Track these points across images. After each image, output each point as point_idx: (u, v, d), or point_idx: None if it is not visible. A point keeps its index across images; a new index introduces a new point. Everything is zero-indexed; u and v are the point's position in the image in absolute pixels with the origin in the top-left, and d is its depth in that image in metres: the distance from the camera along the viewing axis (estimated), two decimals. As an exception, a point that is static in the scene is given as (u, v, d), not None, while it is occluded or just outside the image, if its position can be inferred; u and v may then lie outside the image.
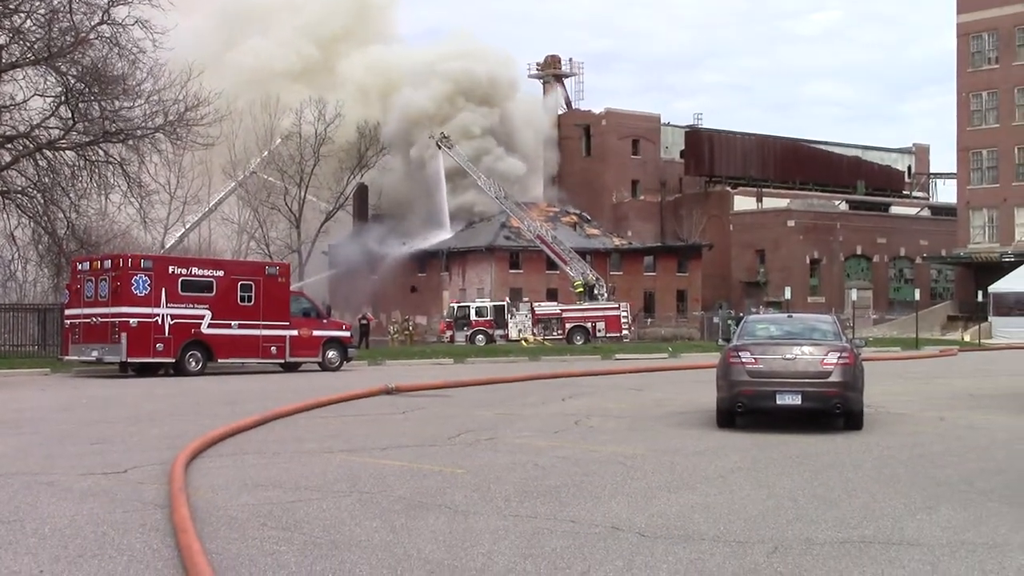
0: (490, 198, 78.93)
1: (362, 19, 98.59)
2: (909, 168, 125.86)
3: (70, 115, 42.63)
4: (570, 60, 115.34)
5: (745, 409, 18.85)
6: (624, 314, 70.13)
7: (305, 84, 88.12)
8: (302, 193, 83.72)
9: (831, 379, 18.34)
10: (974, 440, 17.75)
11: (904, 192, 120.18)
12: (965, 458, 15.55)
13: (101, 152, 43.68)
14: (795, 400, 18.39)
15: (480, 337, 67.38)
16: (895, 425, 19.87)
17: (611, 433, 18.46)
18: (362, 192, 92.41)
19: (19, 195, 43.48)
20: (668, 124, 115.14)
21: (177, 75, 45.25)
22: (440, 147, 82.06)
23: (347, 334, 41.93)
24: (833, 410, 18.55)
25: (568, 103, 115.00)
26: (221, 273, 37.28)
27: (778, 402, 18.47)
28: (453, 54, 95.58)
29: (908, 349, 61.24)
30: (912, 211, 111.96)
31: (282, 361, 38.70)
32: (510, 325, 68.65)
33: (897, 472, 14.08)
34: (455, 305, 72.50)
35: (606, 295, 73.36)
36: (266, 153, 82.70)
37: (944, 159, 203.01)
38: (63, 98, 42.41)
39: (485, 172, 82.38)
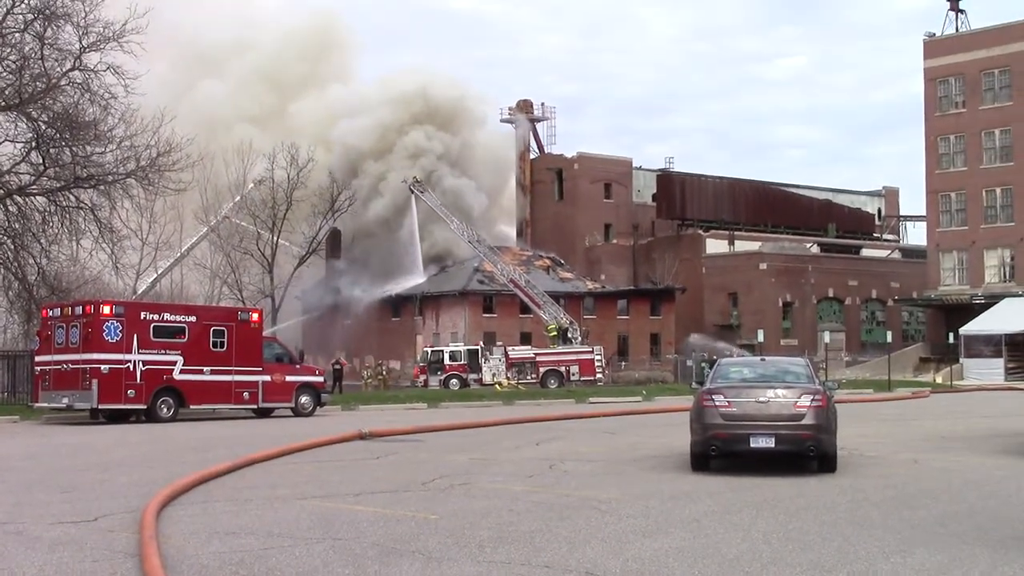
0: (463, 242, 78.98)
1: (322, 62, 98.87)
2: (879, 211, 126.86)
3: (41, 161, 42.54)
4: (542, 104, 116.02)
5: (719, 452, 18.84)
6: (598, 358, 70.15)
7: (264, 128, 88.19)
8: (275, 238, 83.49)
9: (804, 422, 18.36)
10: (947, 482, 17.79)
11: (875, 235, 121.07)
12: (939, 500, 15.58)
13: (72, 198, 43.54)
14: (769, 443, 18.40)
15: (454, 381, 67.22)
16: (869, 467, 19.90)
17: (585, 477, 18.42)
18: (335, 236, 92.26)
19: (-11, 241, 43.26)
20: (640, 168, 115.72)
21: (149, 120, 45.25)
22: (412, 191, 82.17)
23: (320, 379, 41.84)
24: (807, 453, 18.57)
25: (540, 147, 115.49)
26: (193, 319, 37.15)
27: (752, 445, 18.46)
28: (410, 83, 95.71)
29: (881, 391, 61.47)
30: (883, 253, 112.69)
31: (255, 407, 38.53)
32: (484, 369, 68.55)
33: (871, 514, 14.08)
34: (429, 349, 72.36)
35: (580, 339, 73.38)
36: (238, 198, 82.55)
37: (914, 202, 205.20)
38: (34, 144, 42.33)
39: (441, 196, 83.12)
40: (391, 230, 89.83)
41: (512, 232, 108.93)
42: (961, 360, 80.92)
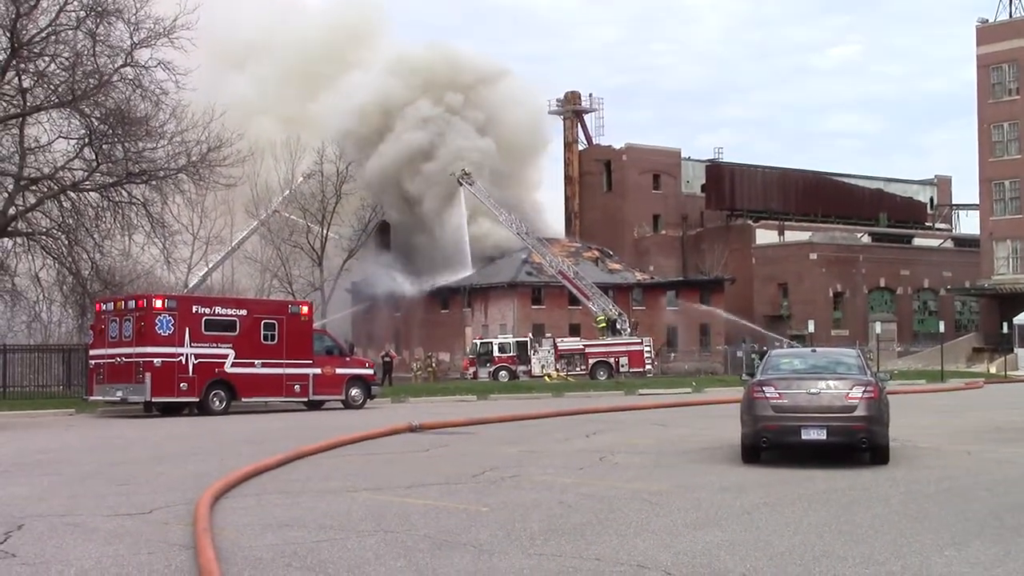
0: (512, 234, 78.97)
1: (368, 56, 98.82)
2: (931, 200, 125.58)
3: (94, 157, 42.93)
4: (590, 95, 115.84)
5: (770, 444, 18.76)
6: (647, 349, 69.96)
7: (311, 123, 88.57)
8: (324, 231, 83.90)
9: (856, 413, 18.24)
10: (1003, 474, 17.62)
11: (927, 224, 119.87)
12: (994, 492, 15.43)
13: (124, 193, 43.91)
14: (820, 435, 18.29)
15: (503, 373, 67.30)
16: (922, 459, 19.73)
17: (636, 469, 18.39)
18: (384, 229, 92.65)
19: (43, 236, 43.71)
20: (689, 159, 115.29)
21: (199, 116, 45.53)
22: (461, 183, 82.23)
23: (370, 372, 41.99)
24: (859, 444, 18.45)
25: (588, 138, 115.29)
26: (244, 312, 37.41)
27: (803, 437, 18.37)
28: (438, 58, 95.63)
29: (933, 382, 60.93)
30: (935, 243, 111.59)
31: (306, 399, 38.76)
32: (533, 361, 68.57)
33: (925, 507, 13.97)
34: (478, 341, 72.46)
35: (628, 330, 73.24)
36: (288, 192, 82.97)
37: (966, 190, 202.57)
38: (87, 140, 42.73)
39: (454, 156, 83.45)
40: (436, 222, 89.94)
41: (560, 224, 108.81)
42: (1016, 350, 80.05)
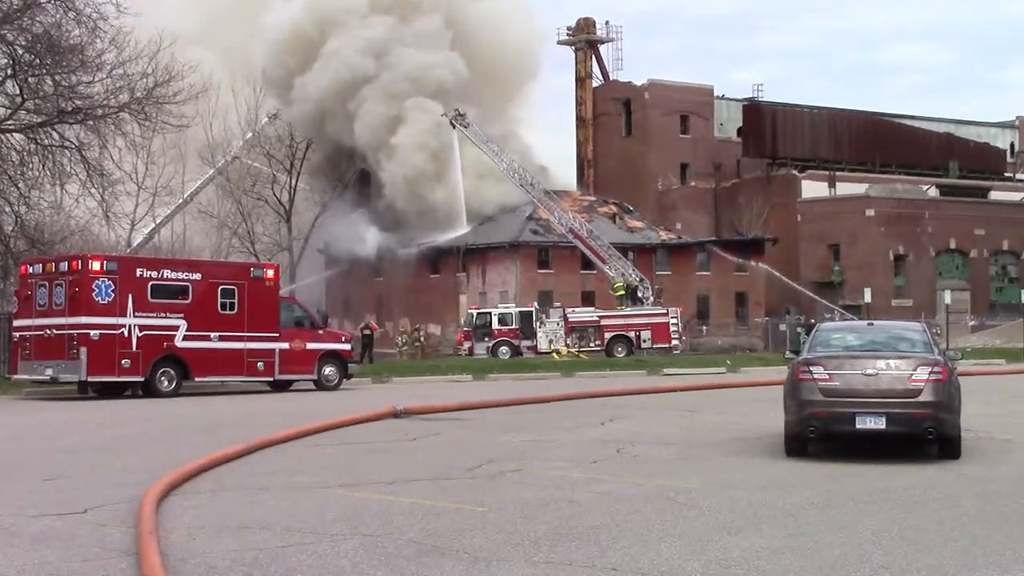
0: (513, 185, 78.89)
1: None
2: (1012, 146, 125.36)
3: (18, 91, 42.79)
4: (606, 23, 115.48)
5: (818, 434, 18.74)
6: (673, 321, 69.93)
7: (280, 51, 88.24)
8: (293, 181, 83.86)
9: (921, 398, 18.20)
10: (1093, 470, 17.61)
11: (1006, 174, 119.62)
12: (1083, 492, 15.41)
13: (55, 135, 43.80)
14: (878, 423, 18.26)
15: (504, 349, 67.35)
16: (1000, 454, 19.72)
17: (659, 463, 18.39)
18: (363, 178, 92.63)
19: (-42, 186, 43.70)
20: (723, 97, 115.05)
21: (144, 45, 45.36)
22: (454, 126, 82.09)
23: (347, 347, 42.00)
24: (924, 435, 18.42)
25: (604, 73, 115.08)
26: (198, 276, 37.36)
27: (858, 426, 18.33)
28: None
29: (1014, 361, 60.88)
30: (1016, 196, 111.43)
31: (271, 379, 38.80)
32: (539, 335, 68.59)
33: (1003, 510, 13.94)
34: (474, 312, 72.47)
35: (652, 298, 73.25)
36: (250, 135, 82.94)
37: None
38: (9, 71, 42.58)
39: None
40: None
41: (571, 175, 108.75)
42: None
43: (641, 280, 74.10)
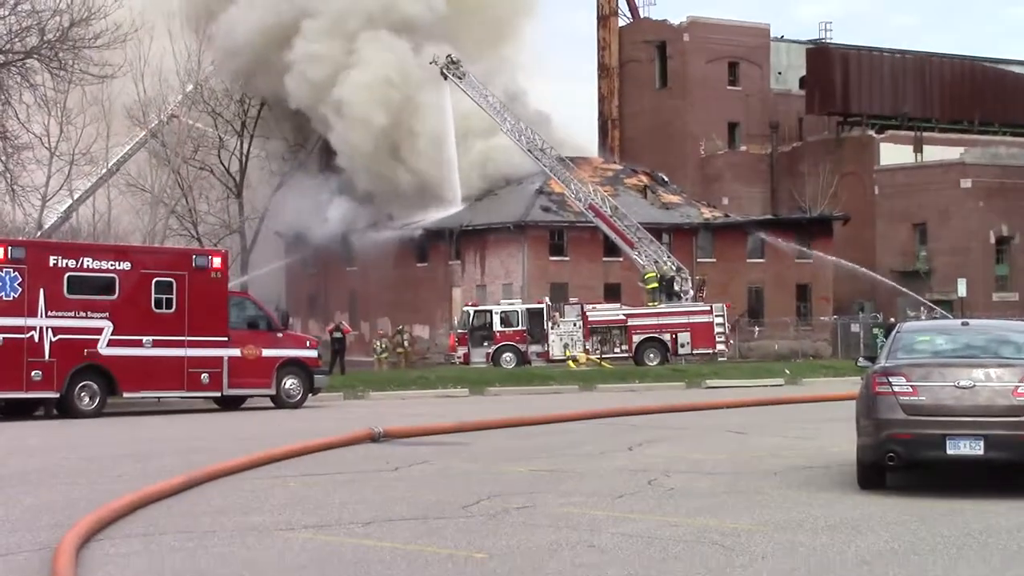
0: (521, 150, 78.84)
1: None
2: None
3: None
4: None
5: (899, 461, 18.74)
6: (719, 320, 69.96)
7: None
8: (244, 146, 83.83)
9: (1029, 417, 18.23)
10: None
11: None
12: None
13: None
14: (975, 448, 18.26)
15: (508, 356, 67.39)
16: (1124, 485, 19.73)
17: (701, 498, 18.42)
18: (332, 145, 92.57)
19: None
20: (782, 39, 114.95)
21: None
22: (445, 76, 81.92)
23: (313, 353, 42.01)
24: (1032, 463, 18.47)
25: (634, 10, 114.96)
26: (127, 266, 37.36)
27: (949, 451, 18.34)
28: None
29: None
30: None
31: (218, 394, 38.86)
32: (551, 338, 68.62)
33: None
34: (471, 309, 72.45)
35: (691, 292, 73.23)
36: (191, 88, 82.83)
37: None
38: None
39: None
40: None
41: (591, 138, 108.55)
42: None
43: (678, 269, 74.06)
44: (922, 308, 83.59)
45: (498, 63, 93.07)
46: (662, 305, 71.40)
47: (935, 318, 70.80)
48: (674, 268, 73.75)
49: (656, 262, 73.40)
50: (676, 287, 72.90)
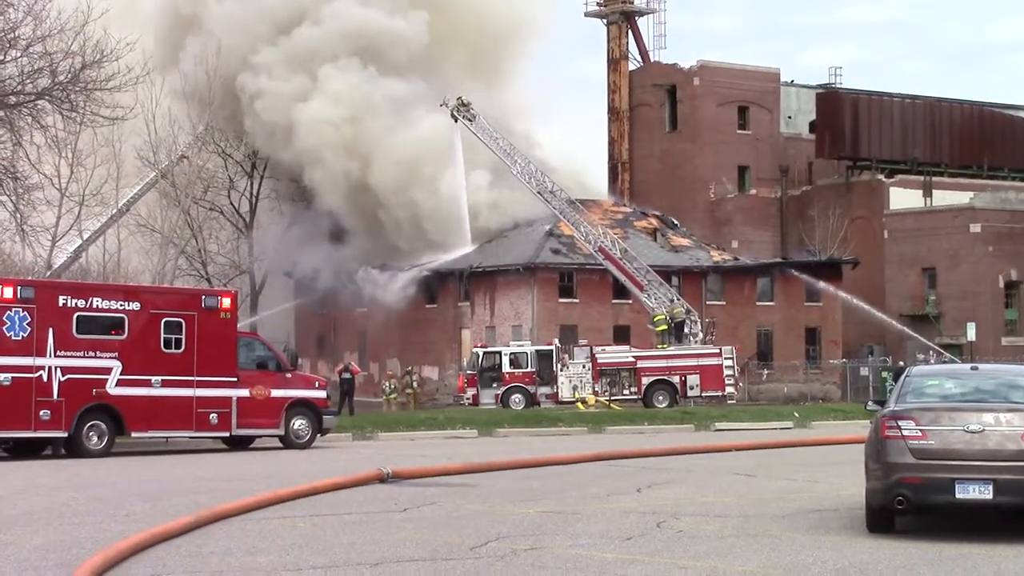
0: (530, 193, 78.91)
1: None
2: None
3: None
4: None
5: (908, 505, 18.72)
6: (728, 363, 69.90)
7: (240, 25, 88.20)
8: (255, 187, 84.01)
9: (1038, 461, 18.20)
10: None
11: None
12: None
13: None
14: (984, 493, 18.24)
15: (517, 398, 67.32)
16: None
17: (711, 541, 18.39)
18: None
19: None
20: (792, 83, 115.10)
21: (70, 16, 45.43)
22: (456, 119, 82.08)
23: (322, 394, 41.95)
24: (1042, 508, 18.43)
25: (644, 54, 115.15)
26: (137, 306, 37.39)
27: (958, 495, 18.32)
28: None
29: None
30: None
31: (227, 434, 38.82)
32: (560, 379, 68.57)
33: None
34: (480, 351, 72.47)
35: (700, 335, 73.18)
36: (201, 128, 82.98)
37: None
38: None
39: None
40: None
41: (601, 180, 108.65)
42: None
43: (688, 312, 74.06)
44: (931, 352, 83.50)
45: (499, 104, 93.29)
46: (671, 347, 71.37)
47: (944, 362, 70.75)
48: (684, 310, 73.70)
49: (666, 305, 73.32)
50: (686, 330, 72.87)
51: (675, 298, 74.58)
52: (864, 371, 77.24)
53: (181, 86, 77.19)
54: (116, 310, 36.91)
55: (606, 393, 67.81)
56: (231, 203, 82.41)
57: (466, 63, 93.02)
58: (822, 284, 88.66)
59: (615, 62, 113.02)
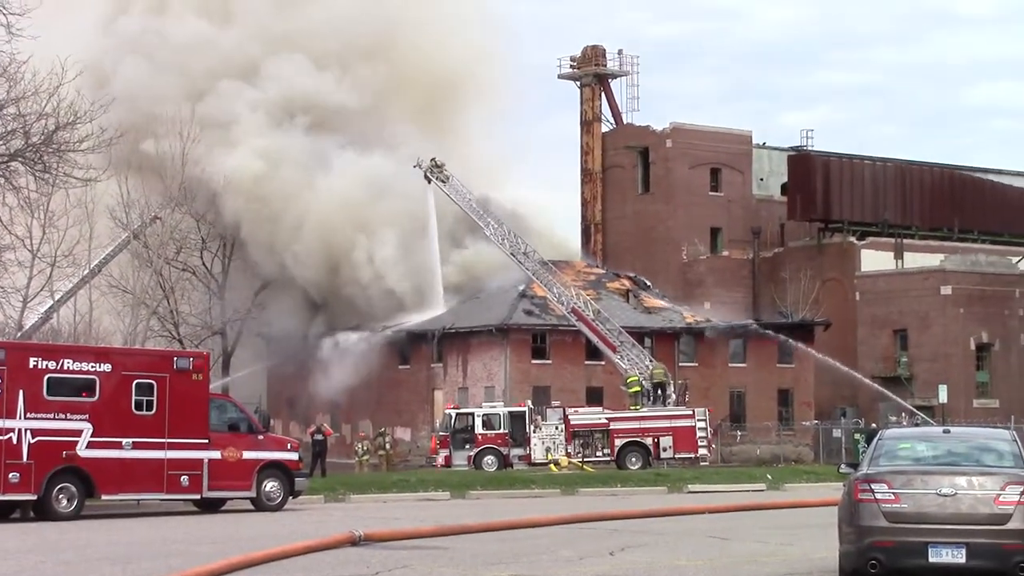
0: (504, 254, 79.00)
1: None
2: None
3: None
4: (619, 53, 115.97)
5: (882, 569, 18.72)
6: (701, 425, 69.89)
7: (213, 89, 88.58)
8: (228, 248, 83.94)
9: (1010, 525, 18.22)
10: None
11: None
12: None
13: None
14: (956, 556, 18.25)
15: (489, 459, 67.21)
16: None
17: (683, 606, 18.34)
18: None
19: None
20: (764, 145, 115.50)
21: (45, 77, 45.43)
22: (429, 180, 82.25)
23: (294, 456, 41.79)
24: (1016, 572, 18.41)
25: (617, 115, 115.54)
26: (108, 367, 37.28)
27: (931, 559, 18.34)
28: None
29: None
30: None
31: (198, 496, 38.62)
32: (533, 441, 68.49)
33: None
34: (452, 412, 72.35)
35: (674, 397, 73.18)
36: (177, 188, 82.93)
37: None
38: None
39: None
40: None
41: (574, 241, 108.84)
42: None
43: (665, 374, 74.05)
44: (903, 414, 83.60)
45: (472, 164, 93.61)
46: (644, 409, 71.36)
47: (917, 424, 70.92)
48: (663, 373, 73.70)
49: (639, 366, 73.29)
50: (665, 391, 72.85)
51: (651, 360, 74.65)
52: (837, 433, 77.32)
53: (154, 149, 77.27)
54: (87, 372, 36.80)
55: (579, 455, 67.75)
56: (203, 264, 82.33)
57: (427, 121, 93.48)
58: (796, 344, 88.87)
59: (588, 124, 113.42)
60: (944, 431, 21.47)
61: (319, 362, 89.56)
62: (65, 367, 36.55)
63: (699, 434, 69.40)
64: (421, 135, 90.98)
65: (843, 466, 21.95)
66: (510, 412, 70.59)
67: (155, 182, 78.75)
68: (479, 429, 69.09)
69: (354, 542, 26.57)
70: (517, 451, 68.40)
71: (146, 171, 79.37)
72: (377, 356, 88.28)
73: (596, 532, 31.11)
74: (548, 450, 67.92)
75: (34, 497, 35.63)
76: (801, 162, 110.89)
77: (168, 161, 77.90)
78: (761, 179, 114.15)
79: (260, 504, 39.35)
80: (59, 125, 44.67)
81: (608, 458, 68.05)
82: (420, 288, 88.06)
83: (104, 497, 37.03)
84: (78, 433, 36.13)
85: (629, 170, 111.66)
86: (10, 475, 35.18)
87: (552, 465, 65.48)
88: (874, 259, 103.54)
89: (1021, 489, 18.35)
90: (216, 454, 38.51)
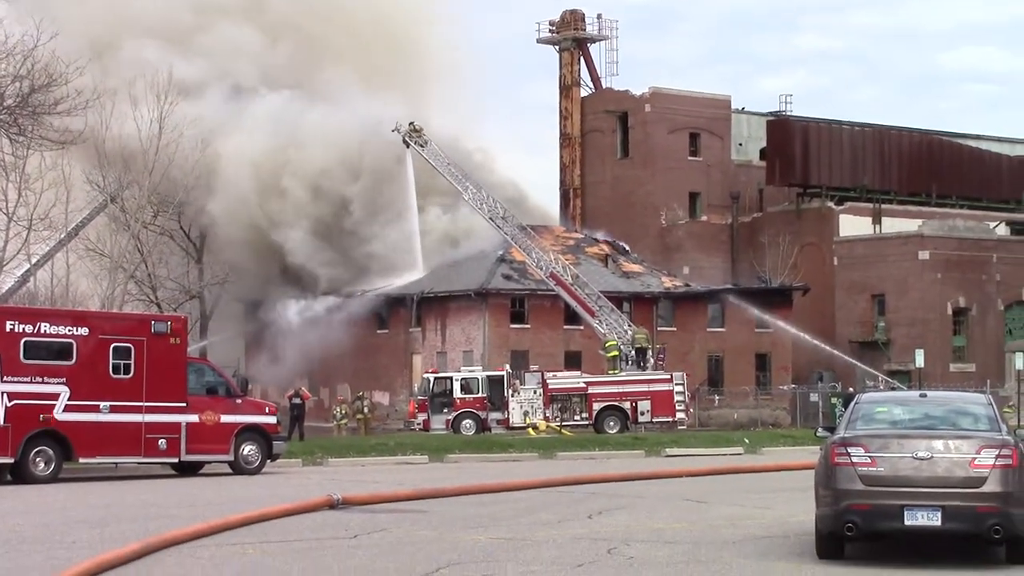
0: (482, 218, 78.93)
1: None
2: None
3: None
4: (598, 17, 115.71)
5: (858, 532, 18.76)
6: (678, 389, 69.97)
7: (191, 45, 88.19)
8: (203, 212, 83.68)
9: (985, 488, 18.26)
10: None
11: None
12: None
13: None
14: (932, 519, 18.30)
15: (467, 423, 67.18)
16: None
17: (661, 567, 18.39)
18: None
19: None
20: (743, 111, 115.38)
21: (17, 40, 45.27)
22: (408, 144, 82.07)
23: (272, 420, 41.75)
24: (989, 534, 18.45)
25: (596, 80, 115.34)
26: (85, 331, 37.17)
27: (907, 522, 18.38)
28: None
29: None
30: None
31: (176, 459, 38.58)
32: (512, 405, 68.47)
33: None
34: (431, 376, 72.31)
35: (652, 362, 73.20)
36: (153, 151, 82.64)
37: None
38: None
39: None
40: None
41: (552, 206, 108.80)
42: None
43: (646, 337, 74.09)
44: (880, 379, 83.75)
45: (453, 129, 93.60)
46: (622, 373, 71.42)
47: (892, 388, 71.03)
48: (644, 337, 73.70)
49: (617, 330, 73.31)
50: (647, 355, 72.86)
51: (629, 325, 74.66)
52: (814, 397, 77.35)
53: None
54: (64, 335, 36.69)
55: (557, 419, 67.75)
56: (181, 227, 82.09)
57: (411, 87, 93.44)
58: (767, 317, 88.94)
59: (567, 88, 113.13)
60: (921, 395, 21.53)
61: (297, 326, 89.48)
62: (42, 331, 36.44)
63: (677, 398, 69.47)
64: (401, 100, 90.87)
65: (820, 430, 21.97)
66: (488, 376, 70.58)
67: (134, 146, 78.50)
68: (457, 393, 69.04)
69: (332, 505, 26.58)
70: (495, 415, 68.37)
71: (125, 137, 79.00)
72: (355, 320, 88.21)
73: (574, 496, 31.15)
74: (526, 414, 67.93)
75: (11, 460, 35.51)
76: (780, 127, 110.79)
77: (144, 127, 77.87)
78: (740, 144, 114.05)
79: (238, 468, 39.32)
80: (34, 88, 44.54)
81: (586, 422, 68.10)
82: (398, 252, 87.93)
83: (81, 460, 36.94)
84: (55, 396, 36.04)
85: (608, 135, 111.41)
86: (-13, 438, 35.17)
87: (530, 429, 65.50)
88: (852, 224, 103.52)
89: (996, 452, 18.40)
90: (194, 417, 38.46)
